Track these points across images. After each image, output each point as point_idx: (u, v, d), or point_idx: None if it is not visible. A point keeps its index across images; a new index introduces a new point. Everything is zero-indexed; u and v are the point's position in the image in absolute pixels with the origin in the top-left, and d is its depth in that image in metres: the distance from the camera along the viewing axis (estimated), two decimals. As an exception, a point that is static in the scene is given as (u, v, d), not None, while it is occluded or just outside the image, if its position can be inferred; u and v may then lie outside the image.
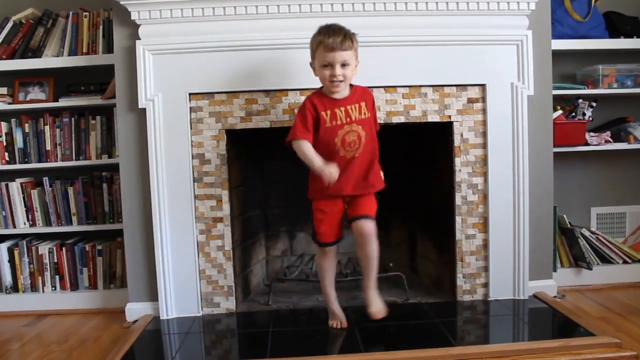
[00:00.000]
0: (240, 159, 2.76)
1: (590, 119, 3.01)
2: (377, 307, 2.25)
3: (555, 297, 2.67)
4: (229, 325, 2.47)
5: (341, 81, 2.16)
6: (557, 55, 2.78)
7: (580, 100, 2.98)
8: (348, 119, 2.21)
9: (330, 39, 2.12)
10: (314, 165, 2.16)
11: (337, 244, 2.33)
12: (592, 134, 3.00)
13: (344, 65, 2.14)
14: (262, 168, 3.08)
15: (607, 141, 3.00)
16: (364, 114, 2.24)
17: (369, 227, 2.20)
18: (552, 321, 2.41)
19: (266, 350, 2.12)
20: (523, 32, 2.54)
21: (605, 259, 3.01)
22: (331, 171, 2.13)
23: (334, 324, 2.31)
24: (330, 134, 2.21)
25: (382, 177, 2.34)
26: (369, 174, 2.26)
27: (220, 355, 2.21)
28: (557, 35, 2.85)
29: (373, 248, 2.23)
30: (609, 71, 2.98)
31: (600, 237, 3.02)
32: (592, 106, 3.00)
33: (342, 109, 2.22)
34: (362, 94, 2.27)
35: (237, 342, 2.33)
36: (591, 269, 2.91)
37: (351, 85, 2.26)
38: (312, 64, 2.24)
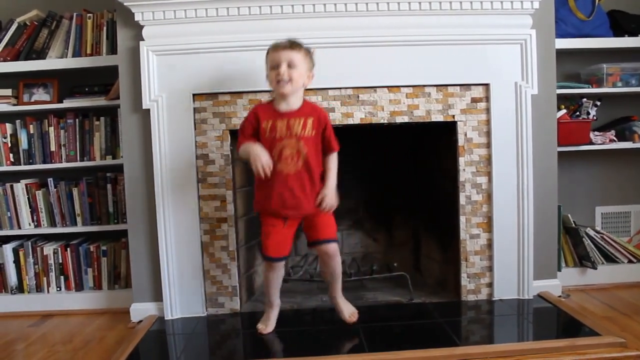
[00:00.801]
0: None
1: (595, 118, 3.00)
2: (349, 310, 2.37)
3: (560, 296, 2.66)
4: (233, 326, 2.48)
5: (287, 81, 2.12)
6: (561, 54, 2.77)
7: (585, 99, 2.97)
8: (288, 133, 2.17)
9: (278, 42, 2.17)
10: (251, 150, 2.13)
11: (285, 260, 2.30)
12: (596, 133, 3.00)
13: (290, 66, 2.12)
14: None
15: (611, 140, 2.99)
16: (308, 131, 2.18)
17: (332, 250, 2.25)
18: (556, 321, 2.41)
19: (270, 350, 2.13)
20: (527, 31, 2.53)
21: (610, 259, 3.00)
22: (263, 159, 2.09)
23: (262, 328, 2.31)
24: (269, 146, 2.17)
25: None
26: (313, 193, 2.21)
27: (225, 355, 2.22)
28: (561, 34, 2.84)
29: (336, 263, 2.30)
30: (613, 70, 2.97)
31: (605, 237, 3.01)
32: (596, 105, 2.99)
33: (285, 121, 2.18)
34: (311, 111, 2.21)
35: (241, 343, 2.33)
36: (596, 269, 2.91)
37: (304, 101, 2.24)
38: (267, 77, 2.23)
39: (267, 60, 2.20)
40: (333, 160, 2.26)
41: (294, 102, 2.20)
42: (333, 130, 2.25)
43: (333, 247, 2.25)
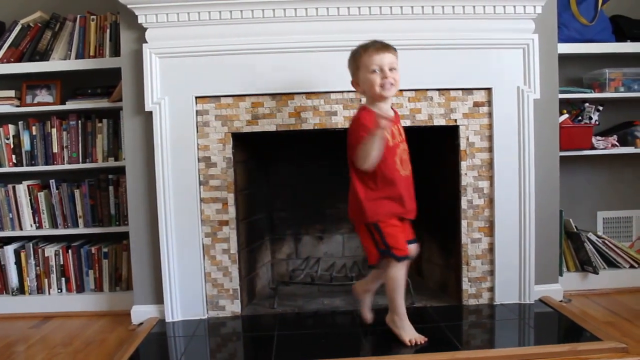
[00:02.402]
0: (246, 162, 2.77)
1: (597, 122, 3.00)
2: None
3: (561, 301, 2.66)
4: (234, 329, 2.48)
5: (392, 84, 2.09)
6: (564, 59, 2.78)
7: (587, 104, 2.97)
8: (400, 138, 2.20)
9: (375, 44, 2.12)
10: (376, 134, 1.99)
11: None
12: (598, 137, 2.99)
13: (392, 69, 2.10)
14: (267, 171, 3.08)
15: (613, 145, 2.99)
16: (402, 134, 2.22)
17: (415, 249, 2.26)
18: (558, 326, 2.40)
19: (271, 353, 2.12)
20: (529, 36, 2.53)
21: (611, 264, 2.99)
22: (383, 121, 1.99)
23: (413, 340, 2.15)
24: (391, 152, 2.13)
25: None
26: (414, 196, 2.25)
27: (226, 358, 2.21)
28: (563, 39, 2.84)
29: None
30: (615, 75, 2.97)
31: (606, 242, 3.00)
32: (598, 110, 2.99)
33: (396, 127, 2.19)
34: (397, 115, 2.27)
35: (242, 346, 2.33)
36: (597, 274, 2.90)
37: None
38: (354, 81, 2.19)
39: (361, 63, 2.12)
40: None
41: (389, 106, 2.20)
42: None
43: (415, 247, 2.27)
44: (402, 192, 2.16)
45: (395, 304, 2.19)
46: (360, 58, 2.13)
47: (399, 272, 2.15)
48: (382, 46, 2.11)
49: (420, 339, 2.14)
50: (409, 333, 2.17)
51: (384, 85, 2.08)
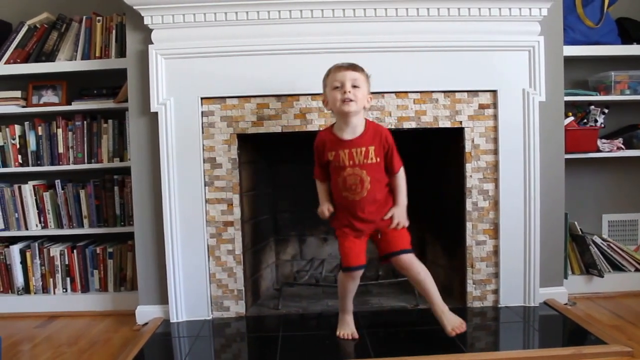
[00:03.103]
0: (251, 163, 2.77)
1: (602, 125, 2.99)
2: (450, 325, 2.20)
3: (566, 304, 2.65)
4: (238, 329, 2.48)
5: (352, 100, 2.11)
6: (569, 61, 2.77)
7: (592, 107, 2.97)
8: (350, 162, 2.18)
9: (342, 64, 2.18)
10: (320, 198, 2.33)
11: (362, 269, 2.26)
12: (604, 140, 2.99)
13: (354, 86, 2.13)
14: (272, 172, 3.08)
15: (619, 148, 2.98)
16: (371, 159, 2.18)
17: (402, 260, 2.21)
18: (562, 329, 2.40)
19: (276, 354, 2.12)
20: (535, 38, 2.53)
21: (616, 267, 2.98)
22: (322, 210, 2.30)
23: (344, 334, 2.27)
24: (335, 174, 2.22)
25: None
26: (374, 211, 2.22)
27: (230, 359, 2.22)
28: (569, 41, 2.84)
29: (418, 272, 2.22)
30: (621, 77, 2.96)
31: (611, 245, 3.00)
32: (604, 113, 2.98)
33: (347, 151, 2.18)
34: (373, 137, 2.19)
35: (246, 346, 2.33)
36: (602, 277, 2.89)
37: (366, 122, 2.23)
38: (324, 100, 2.25)
39: (327, 82, 2.20)
40: (401, 179, 2.27)
41: (357, 126, 2.19)
42: (395, 148, 2.23)
43: (408, 258, 2.21)
44: (348, 210, 2.23)
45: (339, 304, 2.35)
46: (327, 77, 2.21)
47: (342, 279, 2.27)
48: (347, 65, 2.17)
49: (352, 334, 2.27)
50: (346, 329, 2.29)
51: (345, 100, 2.12)
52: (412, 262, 2.22)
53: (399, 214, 2.24)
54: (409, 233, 2.27)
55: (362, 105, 2.17)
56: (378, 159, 2.19)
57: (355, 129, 2.19)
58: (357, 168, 2.18)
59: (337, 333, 2.29)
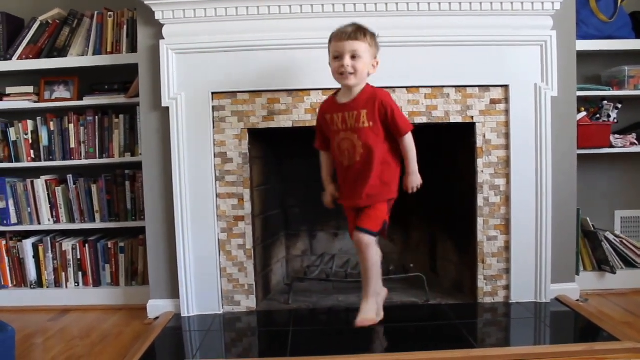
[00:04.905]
0: (262, 158, 2.77)
1: (615, 120, 2.96)
2: (361, 316, 2.20)
3: (578, 300, 2.64)
4: (249, 324, 2.49)
5: (351, 73, 2.09)
6: (582, 56, 2.75)
7: (605, 102, 2.94)
8: (343, 126, 2.18)
9: (342, 30, 2.12)
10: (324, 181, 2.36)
11: None
12: (617, 136, 2.96)
13: (354, 57, 2.09)
14: (283, 167, 3.09)
15: (632, 143, 2.96)
16: (363, 123, 2.14)
17: (359, 238, 2.16)
18: (574, 325, 2.39)
19: (286, 349, 2.13)
20: (547, 33, 2.51)
21: (629, 263, 2.96)
22: (327, 198, 2.35)
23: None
24: (332, 138, 2.23)
25: (393, 186, 2.23)
26: (365, 185, 2.17)
27: (241, 353, 2.22)
28: (582, 35, 2.82)
29: (365, 259, 2.19)
30: (635, 72, 2.93)
31: (624, 241, 2.97)
32: (617, 108, 2.95)
33: (340, 114, 2.18)
34: (367, 100, 2.15)
35: (257, 341, 2.34)
36: (615, 273, 2.87)
37: (365, 87, 2.18)
38: (330, 64, 2.21)
39: (330, 49, 2.16)
40: (407, 144, 2.20)
41: (355, 92, 2.17)
42: (399, 111, 2.18)
43: (362, 238, 2.15)
44: (342, 179, 2.26)
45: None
46: (329, 43, 2.17)
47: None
48: (348, 34, 2.09)
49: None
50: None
51: (343, 73, 2.09)
52: (365, 244, 2.16)
53: (412, 181, 2.23)
54: (386, 220, 2.22)
55: (363, 76, 2.13)
56: (371, 123, 2.14)
57: (352, 94, 2.17)
58: (349, 132, 2.17)
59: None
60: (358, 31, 2.10)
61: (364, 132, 2.15)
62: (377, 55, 2.18)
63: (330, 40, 2.16)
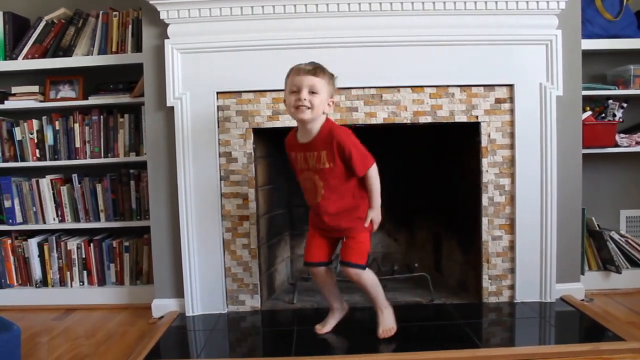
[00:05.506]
0: (267, 157, 2.77)
1: (621, 120, 2.95)
2: (381, 327, 2.22)
3: (583, 300, 2.63)
4: (254, 323, 2.49)
5: (308, 108, 2.03)
6: (587, 55, 2.74)
7: (611, 101, 2.93)
8: (305, 165, 2.17)
9: (301, 66, 2.09)
10: None
11: (322, 266, 2.27)
12: (622, 135, 2.95)
13: (312, 92, 2.04)
14: (287, 167, 3.08)
15: (637, 143, 2.95)
16: (323, 164, 2.11)
17: (348, 273, 2.17)
18: (579, 325, 2.38)
19: (291, 348, 2.13)
20: (552, 32, 2.51)
21: (635, 263, 2.95)
22: None
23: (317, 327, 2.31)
24: (297, 175, 2.26)
25: (363, 219, 2.20)
26: (338, 222, 2.19)
27: (245, 352, 2.22)
28: (587, 34, 2.80)
29: (362, 286, 2.22)
30: (640, 71, 2.93)
31: (629, 241, 2.96)
32: (622, 107, 2.94)
33: (302, 154, 2.17)
34: (325, 140, 2.10)
35: (261, 340, 2.35)
36: (620, 273, 2.86)
37: (322, 126, 2.13)
38: (284, 100, 2.17)
39: (287, 83, 2.12)
40: (368, 180, 2.15)
41: (313, 129, 2.12)
42: (356, 150, 2.10)
43: (351, 273, 2.17)
44: (313, 211, 2.26)
45: None
46: (287, 77, 2.14)
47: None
48: (307, 70, 2.07)
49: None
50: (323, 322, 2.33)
51: (299, 107, 2.05)
52: (356, 277, 2.18)
53: (371, 216, 2.20)
54: (368, 246, 2.22)
55: (319, 112, 2.07)
56: (331, 164, 2.11)
57: (310, 133, 2.13)
58: (310, 172, 2.16)
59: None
60: (317, 69, 2.08)
61: (326, 173, 2.13)
62: (333, 95, 2.15)
63: (288, 75, 2.13)
